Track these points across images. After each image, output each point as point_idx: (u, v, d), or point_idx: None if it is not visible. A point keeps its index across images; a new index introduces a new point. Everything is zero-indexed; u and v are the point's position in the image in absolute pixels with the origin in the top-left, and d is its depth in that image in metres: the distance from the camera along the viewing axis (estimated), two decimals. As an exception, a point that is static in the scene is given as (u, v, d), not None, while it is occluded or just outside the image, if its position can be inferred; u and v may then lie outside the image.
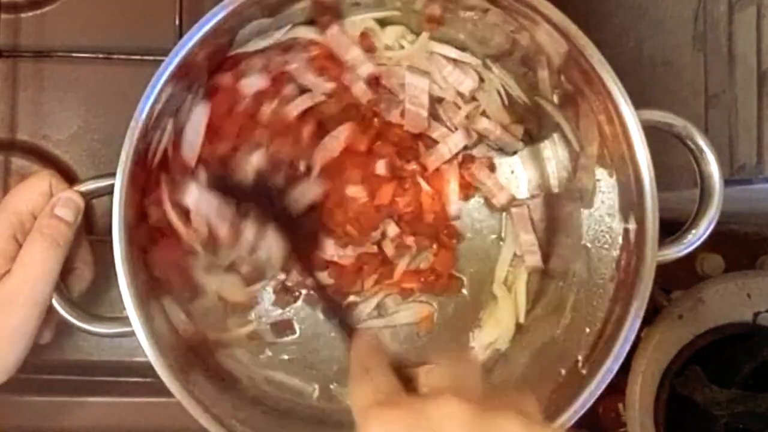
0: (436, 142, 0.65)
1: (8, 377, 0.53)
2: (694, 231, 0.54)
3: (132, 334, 0.51)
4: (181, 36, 0.54)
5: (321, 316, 0.64)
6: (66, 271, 0.55)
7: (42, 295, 0.53)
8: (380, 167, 0.63)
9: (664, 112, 0.54)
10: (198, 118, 0.58)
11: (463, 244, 0.66)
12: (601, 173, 0.59)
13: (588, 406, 0.53)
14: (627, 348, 0.53)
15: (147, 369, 0.52)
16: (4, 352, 0.53)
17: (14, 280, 0.52)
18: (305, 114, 0.61)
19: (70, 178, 0.67)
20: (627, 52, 0.72)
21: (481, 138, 0.66)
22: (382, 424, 0.42)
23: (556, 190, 0.65)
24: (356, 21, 0.61)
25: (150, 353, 0.51)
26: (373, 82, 0.62)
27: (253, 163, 0.59)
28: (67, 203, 0.54)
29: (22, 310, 0.52)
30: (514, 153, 0.66)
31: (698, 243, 0.55)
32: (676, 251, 0.55)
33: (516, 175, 0.67)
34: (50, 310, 0.54)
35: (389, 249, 0.65)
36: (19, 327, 0.52)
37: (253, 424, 0.56)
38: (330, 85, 0.61)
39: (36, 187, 0.54)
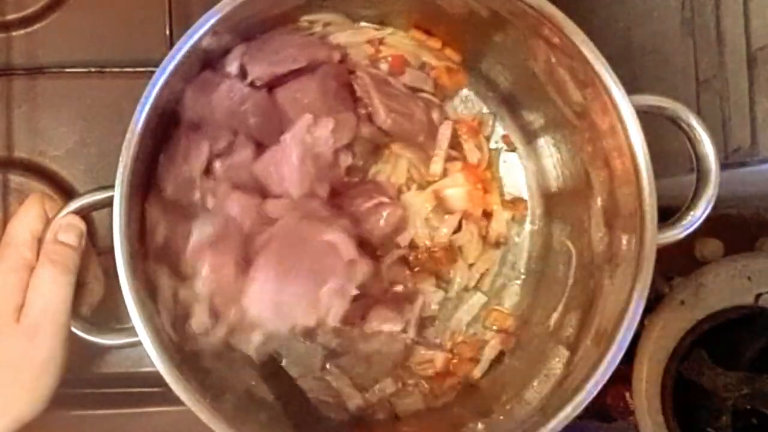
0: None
1: (45, 407, 0.53)
2: (692, 213, 0.54)
3: (139, 344, 0.52)
4: (172, 45, 0.54)
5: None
6: (77, 286, 0.55)
7: (64, 322, 0.53)
8: None
9: (656, 96, 0.54)
10: None
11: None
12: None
13: (592, 397, 0.53)
14: (631, 334, 0.53)
15: (155, 378, 0.52)
16: (38, 384, 0.53)
17: (33, 310, 0.52)
18: None
19: (68, 192, 0.67)
20: (616, 40, 0.72)
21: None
22: None
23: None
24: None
25: (157, 361, 0.51)
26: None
27: None
28: (69, 228, 0.54)
29: (49, 340, 0.52)
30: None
31: (697, 224, 0.54)
32: (675, 233, 0.54)
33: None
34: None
35: None
36: (49, 359, 0.52)
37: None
38: None
39: (31, 212, 0.54)
